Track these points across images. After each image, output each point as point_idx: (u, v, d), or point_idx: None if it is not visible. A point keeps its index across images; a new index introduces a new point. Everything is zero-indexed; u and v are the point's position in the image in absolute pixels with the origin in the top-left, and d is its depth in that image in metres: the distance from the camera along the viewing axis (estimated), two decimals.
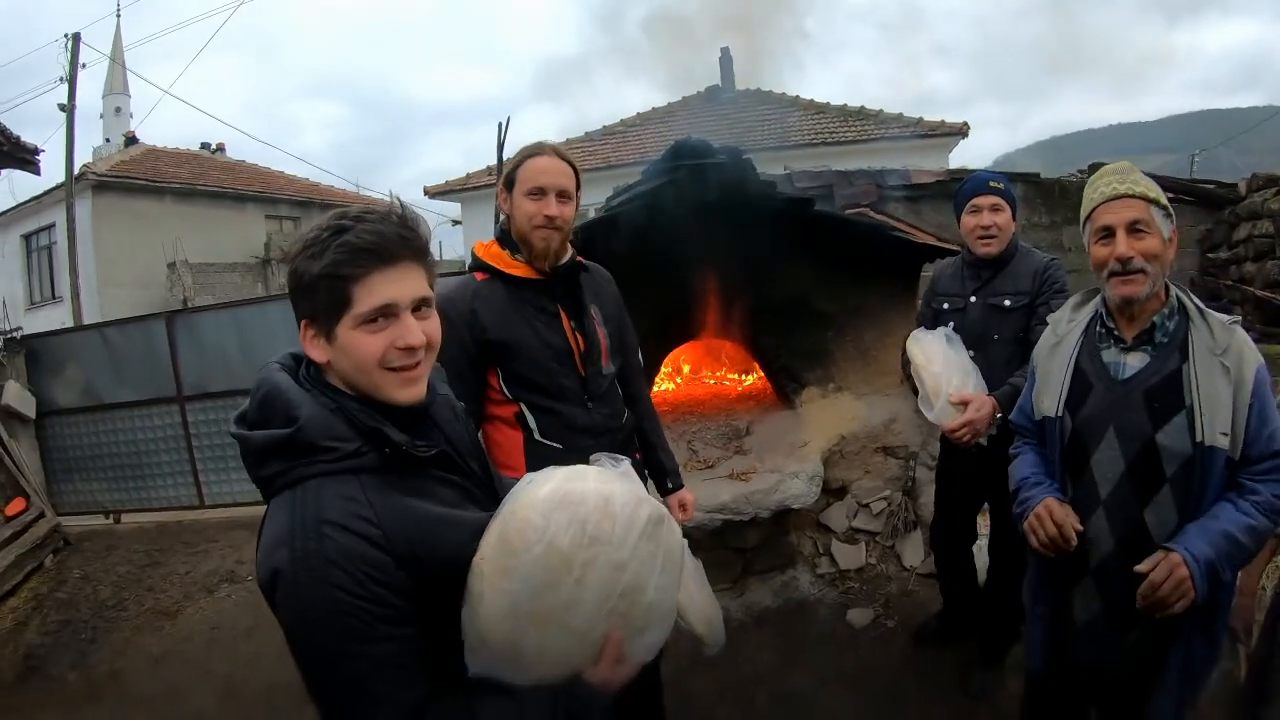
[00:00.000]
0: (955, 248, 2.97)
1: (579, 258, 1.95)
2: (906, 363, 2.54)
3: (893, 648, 2.98)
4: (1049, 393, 1.68)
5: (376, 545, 0.93)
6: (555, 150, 1.85)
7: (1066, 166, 8.20)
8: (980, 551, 2.81)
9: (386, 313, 0.99)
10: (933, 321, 2.57)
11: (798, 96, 14.83)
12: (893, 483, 3.64)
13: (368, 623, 0.91)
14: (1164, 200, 1.56)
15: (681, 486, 2.16)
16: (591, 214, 3.72)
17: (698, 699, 2.69)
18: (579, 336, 1.90)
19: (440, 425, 1.13)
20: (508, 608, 0.95)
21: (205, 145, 19.93)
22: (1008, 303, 2.45)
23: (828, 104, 14.32)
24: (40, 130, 10.10)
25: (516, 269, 1.86)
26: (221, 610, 4.18)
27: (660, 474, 2.15)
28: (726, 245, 3.34)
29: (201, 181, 17.31)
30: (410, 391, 1.03)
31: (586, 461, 1.08)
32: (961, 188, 2.57)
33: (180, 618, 4.17)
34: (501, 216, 1.94)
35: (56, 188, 14.02)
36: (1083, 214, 1.63)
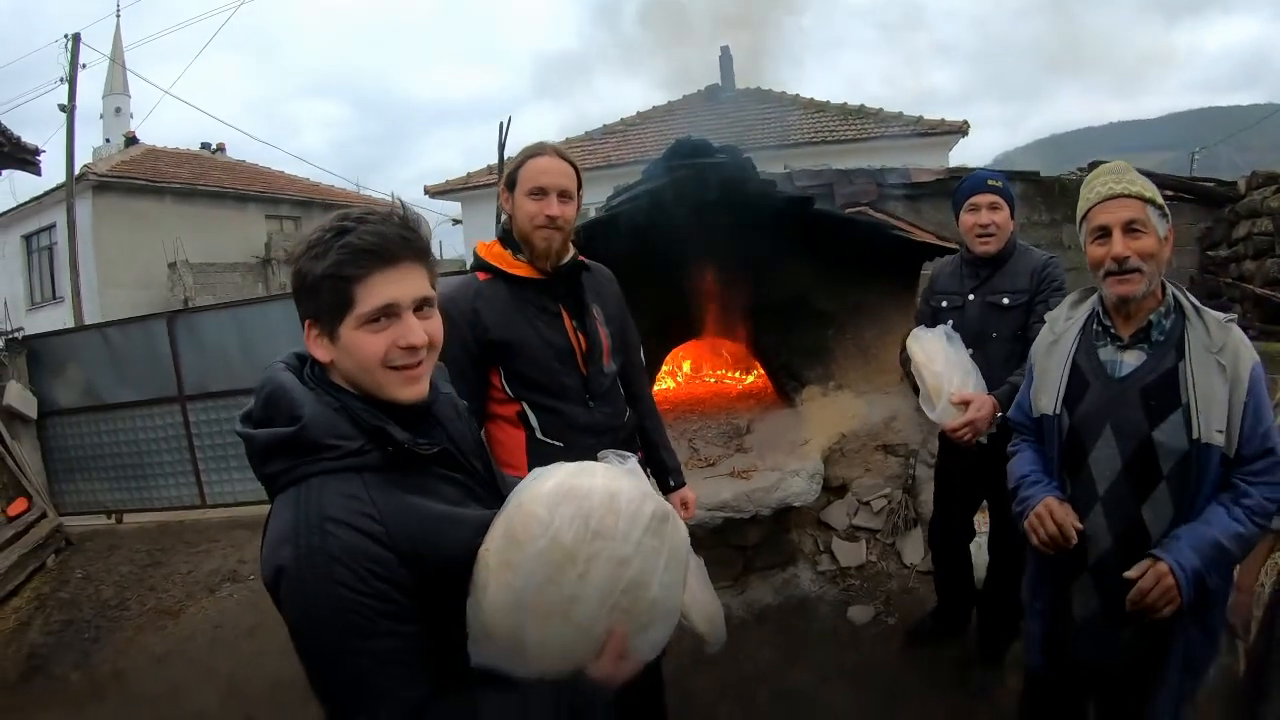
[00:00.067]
0: (955, 246, 2.98)
1: (580, 257, 1.96)
2: (906, 361, 2.55)
3: (893, 645, 2.99)
4: (1046, 390, 1.69)
5: (379, 542, 0.94)
6: (556, 150, 1.86)
7: (1066, 164, 8.20)
8: (980, 549, 2.82)
9: (388, 312, 1.00)
10: (931, 319, 2.57)
11: (798, 95, 14.83)
12: (893, 480, 3.66)
13: (370, 619, 0.92)
14: (1159, 200, 1.57)
15: (683, 484, 2.16)
16: (592, 213, 3.72)
17: (699, 696, 2.70)
18: (581, 336, 1.91)
19: (443, 424, 1.14)
20: (511, 599, 0.96)
21: (205, 145, 19.94)
22: (1006, 301, 2.46)
23: (828, 103, 14.32)
24: (40, 131, 10.12)
25: (518, 269, 1.87)
26: (224, 609, 4.19)
27: (662, 472, 2.15)
28: (727, 244, 3.35)
29: (202, 181, 17.32)
30: (413, 390, 1.04)
31: (588, 460, 1.09)
32: (960, 186, 2.57)
33: (183, 617, 4.19)
34: (503, 216, 1.95)
35: (57, 188, 14.03)
36: (1079, 213, 1.64)
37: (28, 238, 17.08)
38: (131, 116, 20.69)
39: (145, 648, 3.93)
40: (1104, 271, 1.57)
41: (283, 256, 15.69)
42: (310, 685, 0.96)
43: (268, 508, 1.01)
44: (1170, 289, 1.60)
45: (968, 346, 2.42)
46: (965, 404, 2.30)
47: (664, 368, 4.46)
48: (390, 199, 1.24)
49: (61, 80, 12.43)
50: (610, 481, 1.01)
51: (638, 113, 15.39)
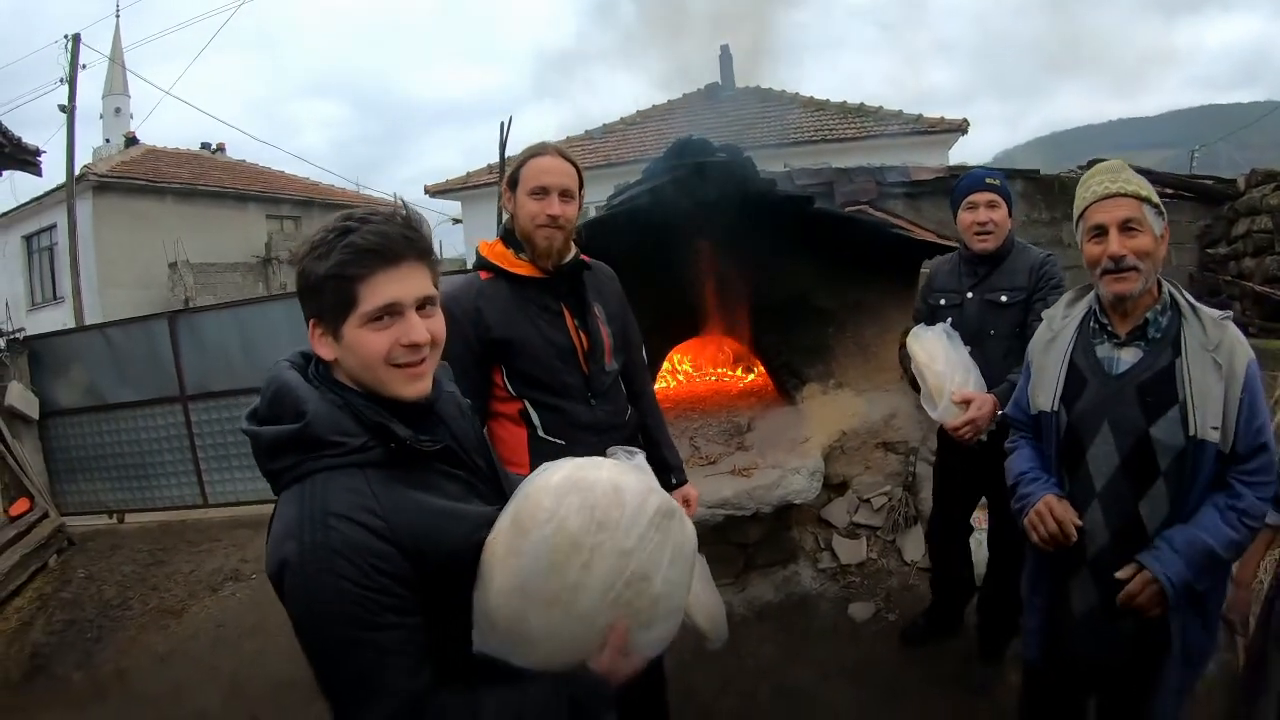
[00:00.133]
0: (955, 244, 2.99)
1: (582, 256, 1.97)
2: (906, 359, 2.56)
3: (894, 641, 3.00)
4: (1044, 388, 1.70)
5: (381, 537, 0.95)
6: (558, 150, 1.88)
7: (1066, 162, 8.20)
8: (979, 546, 2.83)
9: (391, 311, 1.01)
10: (930, 317, 2.58)
11: (797, 93, 14.84)
12: (893, 478, 3.67)
13: (373, 612, 0.93)
14: (1155, 198, 1.58)
15: (685, 482, 2.17)
16: (593, 212, 3.73)
17: (700, 693, 2.71)
18: (582, 334, 1.92)
19: (446, 421, 1.15)
20: (516, 585, 0.97)
21: (205, 145, 19.95)
22: (1004, 298, 2.46)
23: (827, 101, 14.33)
24: (40, 131, 10.13)
25: (520, 268, 1.88)
26: (226, 608, 4.20)
27: (664, 470, 2.15)
28: (727, 243, 3.36)
29: (202, 181, 17.34)
30: (415, 387, 1.06)
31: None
32: (958, 185, 2.58)
33: (185, 616, 4.19)
34: (505, 216, 1.96)
35: (57, 188, 14.04)
36: (1075, 212, 1.65)
37: (28, 238, 17.10)
38: (131, 117, 20.72)
39: (148, 647, 3.94)
40: (1100, 270, 1.58)
41: (286, 257, 15.70)
42: (315, 678, 0.97)
43: (269, 507, 1.03)
44: (1166, 287, 1.61)
45: (966, 344, 2.42)
46: (967, 402, 2.31)
47: (665, 366, 4.47)
48: (392, 199, 1.25)
49: (61, 81, 12.46)
50: (616, 475, 1.03)
51: (638, 111, 15.41)
